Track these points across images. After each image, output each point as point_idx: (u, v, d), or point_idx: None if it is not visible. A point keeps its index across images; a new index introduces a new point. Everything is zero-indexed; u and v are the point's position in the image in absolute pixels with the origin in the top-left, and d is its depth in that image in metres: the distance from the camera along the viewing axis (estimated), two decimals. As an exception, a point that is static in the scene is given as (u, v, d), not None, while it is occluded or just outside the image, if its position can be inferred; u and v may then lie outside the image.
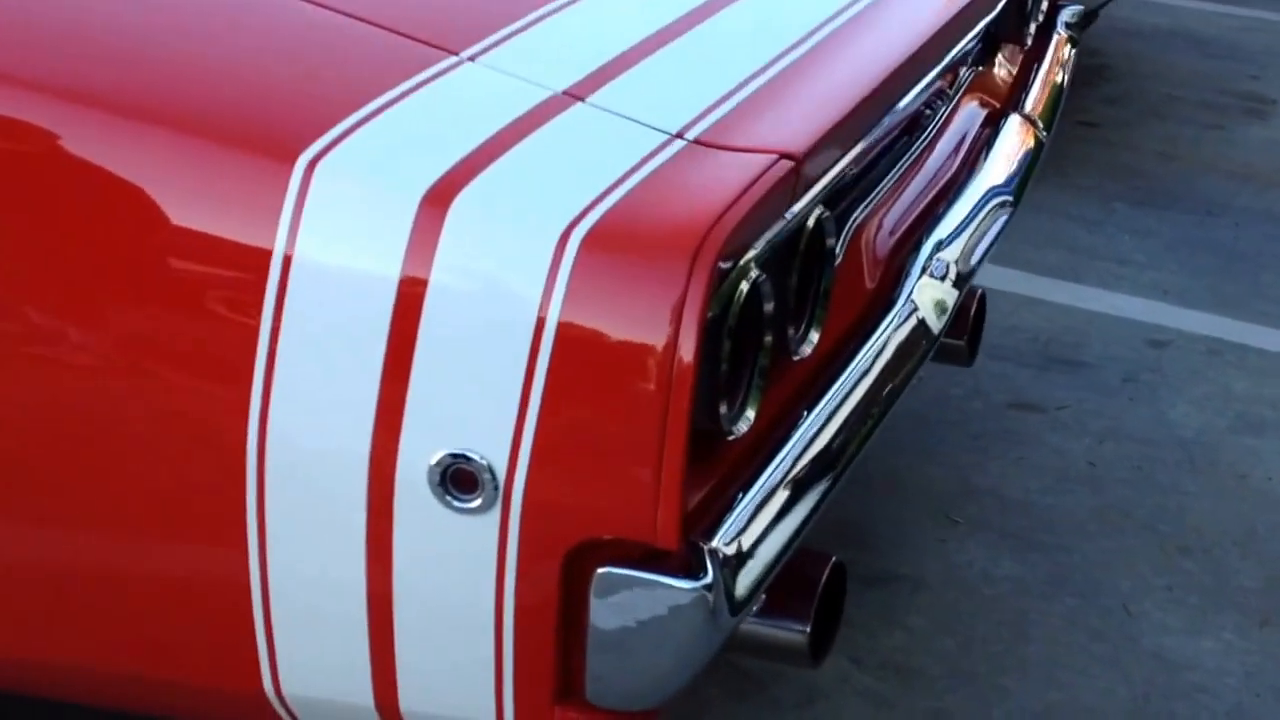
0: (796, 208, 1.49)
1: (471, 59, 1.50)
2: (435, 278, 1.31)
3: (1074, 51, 2.61)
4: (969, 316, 2.32)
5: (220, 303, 1.37)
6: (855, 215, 1.80)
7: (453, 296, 1.31)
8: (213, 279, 1.37)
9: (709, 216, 1.32)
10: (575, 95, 1.48)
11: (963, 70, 2.29)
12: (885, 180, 1.93)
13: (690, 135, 1.45)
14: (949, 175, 2.12)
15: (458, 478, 1.33)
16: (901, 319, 1.78)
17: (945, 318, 1.85)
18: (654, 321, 1.28)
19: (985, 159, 2.16)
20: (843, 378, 1.63)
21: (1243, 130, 4.59)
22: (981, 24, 2.13)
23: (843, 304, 1.71)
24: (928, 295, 1.85)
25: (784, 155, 1.42)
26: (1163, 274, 3.64)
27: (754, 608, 1.50)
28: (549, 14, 1.62)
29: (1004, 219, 2.10)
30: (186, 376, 1.41)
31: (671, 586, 1.34)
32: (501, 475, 1.32)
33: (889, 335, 1.74)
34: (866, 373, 1.66)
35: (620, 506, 1.31)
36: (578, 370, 1.30)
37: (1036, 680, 2.30)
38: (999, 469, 2.80)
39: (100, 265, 1.40)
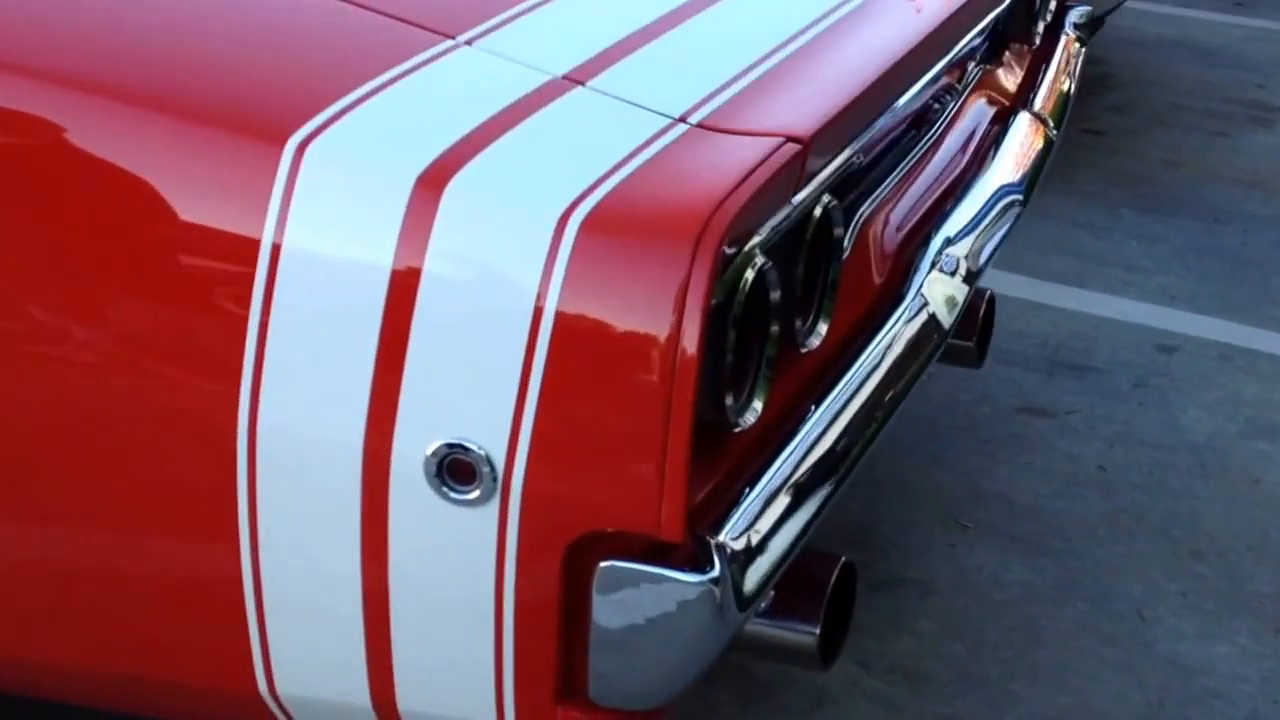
0: (803, 194, 1.45)
1: (468, 43, 1.47)
2: (430, 262, 1.27)
3: (1083, 51, 2.58)
4: (978, 317, 2.29)
5: (207, 291, 1.34)
6: (863, 209, 1.77)
7: (448, 280, 1.27)
8: (198, 266, 1.33)
9: (713, 199, 1.28)
10: (575, 79, 1.44)
11: (970, 66, 2.26)
12: (893, 175, 1.89)
13: (694, 119, 1.41)
14: (957, 172, 2.09)
15: (454, 468, 1.29)
16: (912, 313, 1.74)
17: (956, 313, 1.82)
18: (657, 306, 1.24)
19: (994, 156, 2.13)
20: (852, 370, 1.59)
21: (1249, 138, 4.56)
22: (990, 17, 2.10)
23: (850, 298, 1.67)
24: (938, 290, 1.81)
25: (790, 138, 1.38)
26: (1171, 280, 3.60)
27: (762, 605, 1.46)
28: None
29: (1013, 217, 2.07)
30: (174, 367, 1.37)
31: (677, 580, 1.30)
32: (500, 466, 1.28)
33: (899, 329, 1.71)
34: (877, 366, 1.63)
35: (623, 498, 1.28)
36: (578, 357, 1.26)
37: (1048, 685, 2.25)
38: (1008, 473, 2.76)
39: (83, 252, 1.36)
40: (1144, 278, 3.60)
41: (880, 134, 1.76)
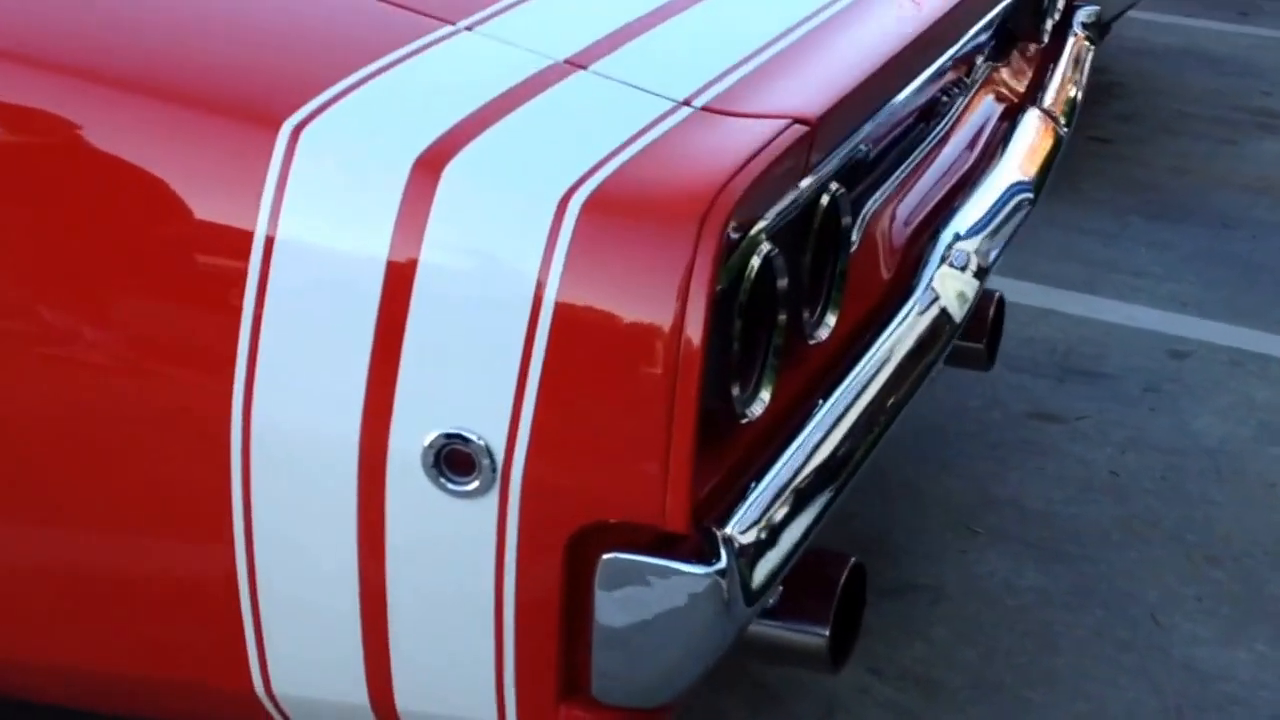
0: (810, 180, 1.42)
1: (469, 28, 1.44)
2: (427, 245, 1.24)
3: (1092, 51, 2.55)
4: (988, 319, 2.26)
5: (199, 281, 1.30)
6: (871, 201, 1.73)
7: (446, 264, 1.24)
8: (190, 255, 1.30)
9: (718, 180, 1.25)
10: (577, 64, 1.41)
11: (978, 62, 2.23)
12: (901, 168, 1.86)
13: (698, 103, 1.38)
14: (966, 167, 2.06)
15: (453, 459, 1.25)
16: (923, 306, 1.70)
17: (967, 308, 1.78)
18: (660, 288, 1.20)
19: (1003, 152, 2.10)
20: (863, 363, 1.56)
21: (1256, 145, 4.52)
22: (998, 9, 2.07)
23: (859, 291, 1.64)
24: (949, 285, 1.78)
25: (797, 120, 1.35)
26: (1181, 286, 3.56)
27: (770, 603, 1.42)
28: (551, -14, 1.56)
29: (1023, 214, 2.03)
30: (165, 361, 1.34)
31: (683, 572, 1.26)
32: (499, 456, 1.24)
33: (910, 322, 1.67)
34: (888, 359, 1.59)
35: (626, 488, 1.24)
36: (579, 343, 1.22)
37: (1063, 692, 2.21)
38: (1019, 479, 2.72)
39: (69, 243, 1.33)
40: (1153, 284, 3.57)
41: (888, 125, 1.73)
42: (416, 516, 1.27)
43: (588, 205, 1.23)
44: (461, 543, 1.27)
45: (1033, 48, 2.44)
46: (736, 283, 1.30)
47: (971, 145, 2.10)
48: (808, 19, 1.62)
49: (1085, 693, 2.21)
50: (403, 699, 1.35)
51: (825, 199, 1.48)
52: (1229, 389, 3.09)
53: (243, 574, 1.34)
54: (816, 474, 1.42)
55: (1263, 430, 2.94)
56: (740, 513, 1.32)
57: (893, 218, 1.81)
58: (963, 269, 1.82)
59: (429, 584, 1.30)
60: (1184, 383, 3.10)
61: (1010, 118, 2.21)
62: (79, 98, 1.31)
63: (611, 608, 1.27)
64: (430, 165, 1.25)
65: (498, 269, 1.24)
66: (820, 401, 1.49)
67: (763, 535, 1.32)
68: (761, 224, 1.33)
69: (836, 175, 1.49)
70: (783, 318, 1.39)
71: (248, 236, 1.28)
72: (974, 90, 2.19)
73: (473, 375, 1.24)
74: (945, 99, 2.07)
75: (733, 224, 1.24)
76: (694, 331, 1.21)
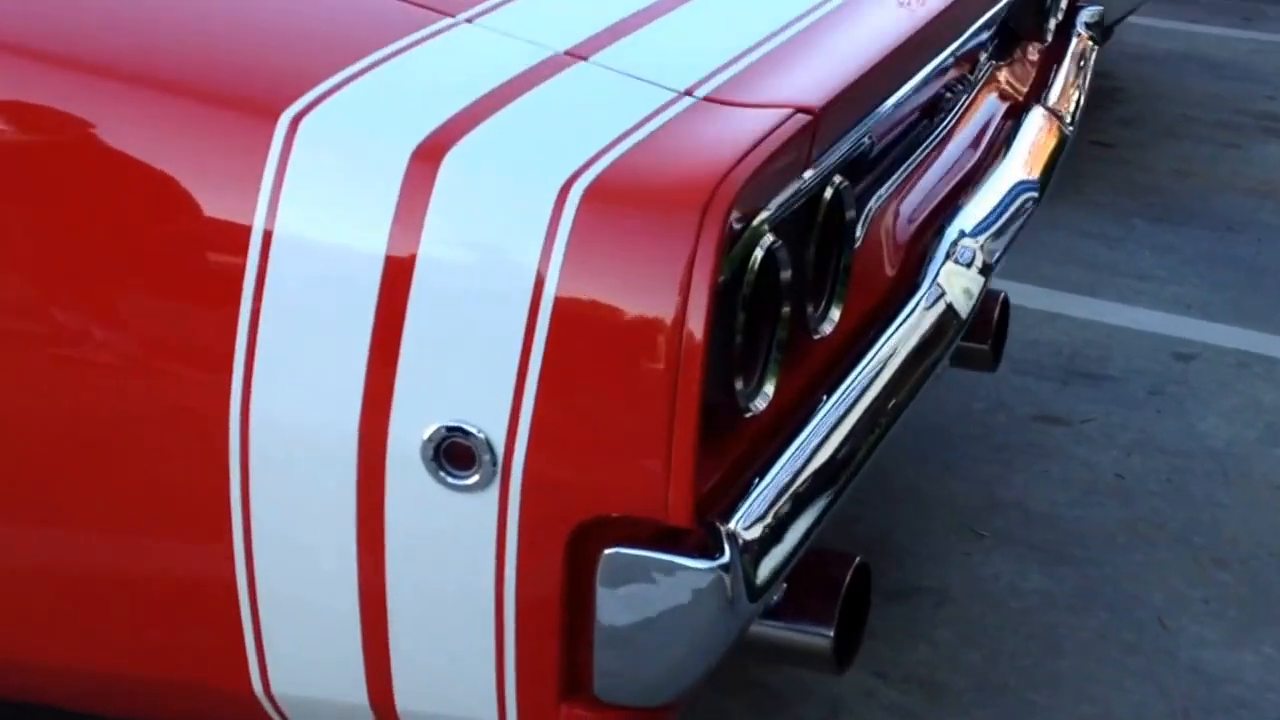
0: (813, 172, 1.40)
1: (469, 20, 1.42)
2: (427, 236, 1.22)
3: (1095, 51, 2.54)
4: (993, 320, 2.25)
5: (196, 274, 1.28)
6: (875, 197, 1.72)
7: (445, 255, 1.22)
8: (187, 248, 1.28)
9: (720, 168, 1.23)
10: (578, 55, 1.40)
11: (981, 60, 2.21)
12: (905, 165, 1.85)
13: (700, 93, 1.36)
14: (970, 164, 2.04)
15: (453, 452, 1.23)
16: (929, 302, 1.69)
17: (973, 304, 1.77)
18: (662, 278, 1.19)
19: (1008, 150, 2.08)
20: (869, 357, 1.54)
21: (1260, 148, 4.51)
22: (1000, 4, 2.05)
23: (863, 286, 1.62)
24: (955, 281, 1.76)
25: (800, 109, 1.33)
26: (1185, 288, 3.55)
27: (774, 601, 1.41)
28: (551, -22, 1.54)
29: (1028, 211, 2.02)
30: (162, 357, 1.32)
31: (686, 567, 1.24)
32: (500, 449, 1.22)
33: (916, 318, 1.65)
34: (894, 354, 1.57)
35: (629, 481, 1.22)
36: (580, 334, 1.21)
37: (1068, 695, 2.19)
38: (1024, 481, 2.70)
39: (63, 237, 1.31)
40: (1158, 287, 3.55)
41: (891, 120, 1.71)
42: (416, 511, 1.25)
43: (588, 194, 1.21)
44: (461, 538, 1.25)
45: (1036, 47, 2.42)
46: (740, 275, 1.29)
47: (976, 143, 2.09)
48: (809, 11, 1.61)
49: (1090, 696, 2.19)
50: (403, 699, 1.33)
51: (829, 192, 1.47)
52: (1235, 391, 3.07)
53: (242, 573, 1.32)
54: (821, 469, 1.40)
55: (1269, 432, 2.92)
56: (744, 508, 1.30)
57: (897, 213, 1.80)
58: (968, 265, 1.80)
59: (429, 581, 1.28)
60: (1189, 385, 3.08)
61: (1014, 116, 2.20)
62: (73, 89, 1.29)
63: (613, 604, 1.26)
64: (429, 155, 1.24)
65: (497, 259, 1.22)
66: (825, 396, 1.47)
67: (767, 530, 1.30)
68: (764, 215, 1.31)
69: (840, 168, 1.48)
70: (786, 310, 1.37)
71: (246, 228, 1.26)
72: (977, 88, 2.17)
73: (473, 367, 1.23)
74: (948, 96, 2.05)
75: (735, 214, 1.23)
76: (696, 323, 1.19)
